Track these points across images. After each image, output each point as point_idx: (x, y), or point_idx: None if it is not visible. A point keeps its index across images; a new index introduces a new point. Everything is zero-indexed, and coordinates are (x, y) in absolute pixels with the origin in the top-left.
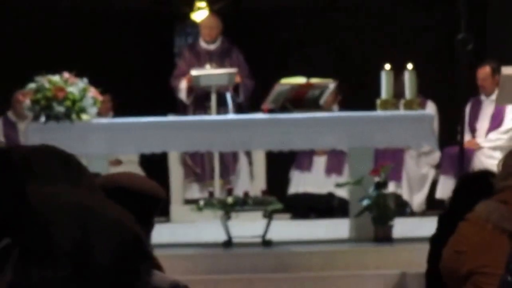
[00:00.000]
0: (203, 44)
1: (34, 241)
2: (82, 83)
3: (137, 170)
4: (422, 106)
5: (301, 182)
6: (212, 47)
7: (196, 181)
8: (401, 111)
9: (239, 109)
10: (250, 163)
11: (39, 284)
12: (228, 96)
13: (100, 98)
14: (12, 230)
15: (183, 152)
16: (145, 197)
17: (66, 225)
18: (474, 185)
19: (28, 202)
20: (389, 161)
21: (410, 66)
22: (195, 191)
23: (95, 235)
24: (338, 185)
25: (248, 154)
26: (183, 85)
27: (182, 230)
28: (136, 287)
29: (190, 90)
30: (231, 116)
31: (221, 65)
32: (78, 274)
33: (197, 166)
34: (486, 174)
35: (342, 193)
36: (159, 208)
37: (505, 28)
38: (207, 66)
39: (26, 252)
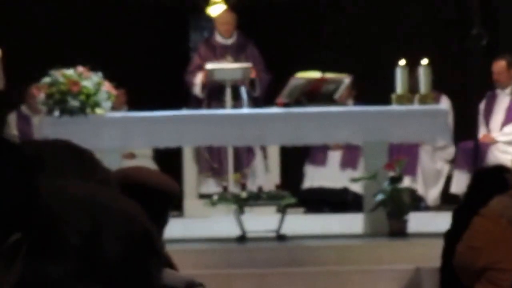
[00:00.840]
0: (219, 38)
1: (43, 235)
2: (96, 77)
3: (150, 164)
4: (437, 100)
5: (316, 177)
6: (228, 41)
7: (212, 176)
8: (416, 106)
9: (255, 103)
10: (265, 157)
11: (48, 279)
12: (243, 91)
13: (114, 92)
14: (22, 224)
15: (200, 146)
16: (159, 192)
17: (74, 218)
18: (489, 180)
19: (38, 195)
20: (404, 156)
21: (425, 61)
22: (210, 186)
23: (105, 229)
24: (353, 180)
25: (263, 148)
26: (198, 80)
27: (196, 224)
28: (146, 284)
29: (205, 85)
30: (245, 110)
31: (236, 59)
32: (86, 269)
33: (215, 161)
34: (500, 169)
35: (357, 187)
36: (173, 204)
37: None
38: (228, 58)
39: (35, 246)
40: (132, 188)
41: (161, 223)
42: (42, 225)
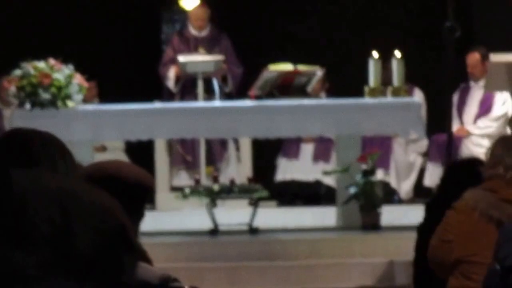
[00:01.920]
0: (192, 31)
1: (11, 224)
2: (67, 69)
3: (122, 157)
4: (410, 93)
5: (288, 170)
6: (201, 34)
7: (185, 169)
8: (389, 98)
9: (227, 97)
10: (238, 149)
11: (17, 267)
12: (215, 83)
13: (85, 84)
14: None
15: (173, 139)
16: (135, 186)
17: (45, 208)
18: (462, 173)
19: (8, 185)
20: (377, 149)
21: (397, 53)
22: (182, 179)
23: (78, 222)
24: (326, 173)
25: (235, 141)
26: (171, 73)
27: (168, 217)
28: (119, 277)
29: (178, 79)
30: (217, 102)
31: (210, 51)
32: (58, 260)
33: (188, 154)
34: (473, 162)
35: (330, 180)
36: (148, 197)
37: (490, 15)
38: (201, 50)
39: (5, 234)
40: (109, 181)
41: (138, 216)
42: (11, 214)
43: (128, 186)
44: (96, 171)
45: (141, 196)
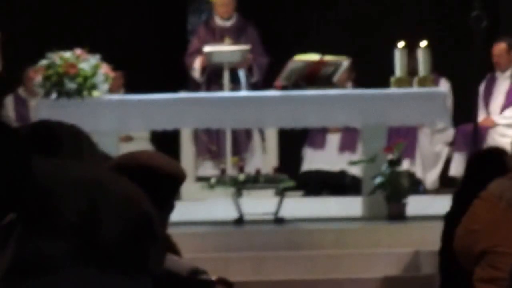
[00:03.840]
0: (218, 20)
1: (37, 214)
2: (94, 59)
3: (148, 147)
4: (436, 83)
5: (314, 160)
6: (227, 23)
7: (210, 159)
8: (415, 89)
9: (253, 87)
10: (263, 139)
11: (43, 257)
12: (241, 74)
13: (111, 74)
14: (17, 204)
15: (198, 129)
16: (166, 177)
17: (72, 197)
18: (485, 163)
19: (32, 175)
20: (403, 139)
21: (423, 43)
22: (208, 169)
23: (104, 211)
24: (352, 163)
25: (261, 131)
26: (197, 64)
27: (194, 207)
28: (144, 267)
29: (204, 69)
30: (243, 93)
31: (236, 41)
32: (83, 248)
33: (213, 144)
34: (498, 151)
35: (355, 170)
36: (179, 189)
37: None
38: (227, 40)
39: (30, 225)
40: (141, 171)
41: (168, 207)
42: (36, 204)
43: (160, 177)
44: (128, 160)
45: (172, 188)
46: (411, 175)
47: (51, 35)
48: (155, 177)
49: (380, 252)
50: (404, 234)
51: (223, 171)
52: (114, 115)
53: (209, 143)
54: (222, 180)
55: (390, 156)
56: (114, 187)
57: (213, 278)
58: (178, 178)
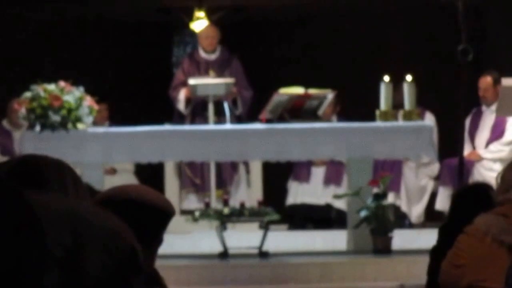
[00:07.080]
0: (202, 53)
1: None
2: (78, 91)
3: (132, 179)
4: (421, 117)
5: (299, 193)
6: (211, 56)
7: (194, 192)
8: (400, 122)
9: (238, 120)
10: (248, 172)
11: None
12: (226, 106)
13: (96, 107)
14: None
15: (182, 162)
16: (156, 211)
17: (57, 232)
18: (471, 197)
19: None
20: (388, 172)
21: (409, 77)
22: (192, 202)
23: (88, 245)
24: (336, 196)
25: (246, 164)
26: (182, 96)
27: (178, 241)
28: None
29: (189, 101)
30: (228, 125)
31: (220, 74)
32: (69, 282)
33: (197, 177)
34: (482, 186)
35: (340, 204)
36: (168, 223)
37: (504, 39)
38: (212, 73)
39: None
40: (130, 205)
41: (156, 242)
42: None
43: (150, 211)
44: (118, 194)
45: (161, 222)
46: (396, 209)
47: (34, 67)
48: (145, 212)
49: (365, 286)
50: (389, 268)
51: (207, 204)
52: (99, 148)
53: (193, 176)
54: (206, 213)
55: (375, 190)
56: (98, 221)
57: None
58: (168, 213)
